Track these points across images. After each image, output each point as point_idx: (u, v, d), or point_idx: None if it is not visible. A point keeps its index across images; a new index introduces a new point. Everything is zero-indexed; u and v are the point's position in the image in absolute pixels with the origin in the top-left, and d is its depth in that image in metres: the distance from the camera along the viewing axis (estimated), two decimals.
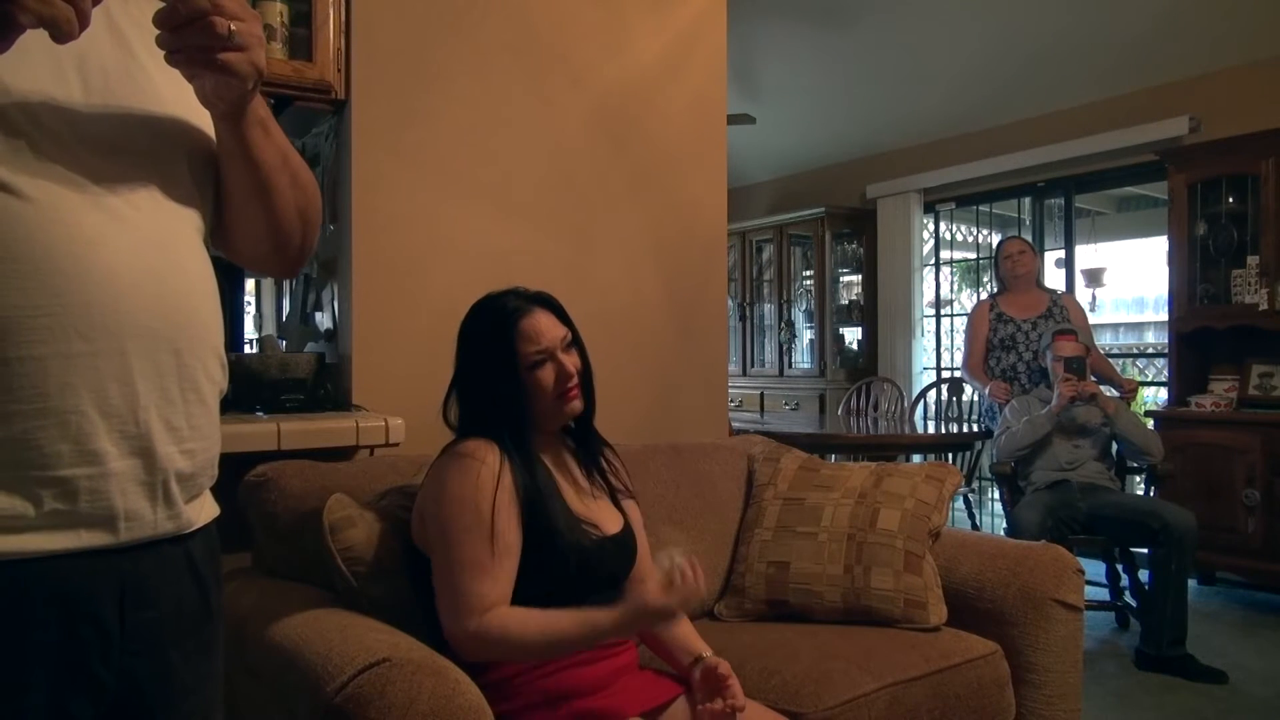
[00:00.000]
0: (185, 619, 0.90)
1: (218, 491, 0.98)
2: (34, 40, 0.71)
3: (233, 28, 0.80)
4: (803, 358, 6.42)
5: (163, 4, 0.79)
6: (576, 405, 1.52)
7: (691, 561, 1.32)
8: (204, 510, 0.94)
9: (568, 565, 1.43)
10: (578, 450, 1.62)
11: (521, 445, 1.47)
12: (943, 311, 6.03)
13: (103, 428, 0.80)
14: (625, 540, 1.56)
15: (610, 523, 1.55)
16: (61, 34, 0.70)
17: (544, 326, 1.49)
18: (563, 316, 1.54)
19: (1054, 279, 5.20)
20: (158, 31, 0.79)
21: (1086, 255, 5.35)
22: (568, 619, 1.34)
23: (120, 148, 0.85)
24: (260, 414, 1.95)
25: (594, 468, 1.62)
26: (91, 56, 0.84)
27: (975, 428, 4.12)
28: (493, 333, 1.49)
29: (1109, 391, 3.62)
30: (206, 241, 0.95)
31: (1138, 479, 3.94)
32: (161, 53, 0.81)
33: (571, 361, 1.51)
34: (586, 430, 1.62)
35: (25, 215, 0.77)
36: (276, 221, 0.98)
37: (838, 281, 6.29)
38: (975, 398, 4.55)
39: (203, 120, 0.93)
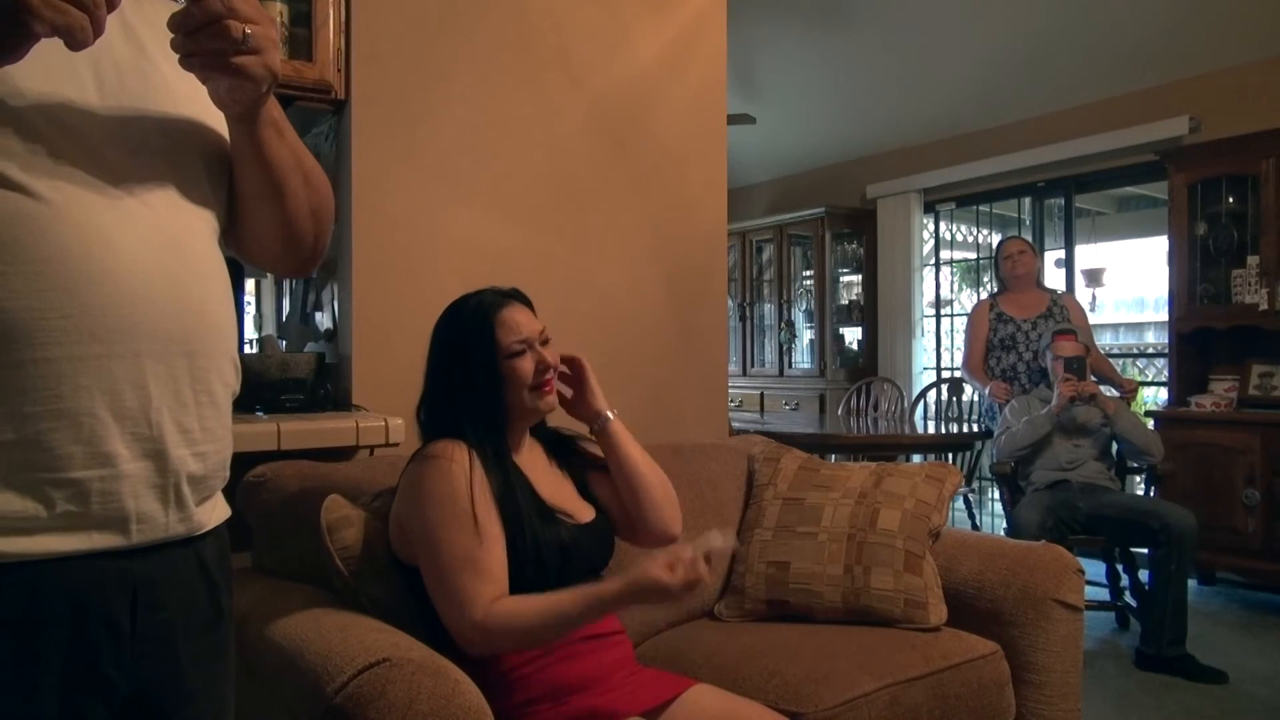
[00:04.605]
0: (196, 620, 0.90)
1: None
2: (48, 43, 0.71)
3: (247, 31, 0.79)
4: (803, 358, 6.42)
5: (177, 4, 0.79)
6: (552, 400, 1.54)
7: (716, 552, 1.32)
8: (215, 512, 0.94)
9: (543, 554, 1.43)
10: (545, 445, 1.64)
11: (492, 440, 1.48)
12: (943, 311, 6.03)
13: (115, 430, 0.80)
14: (600, 528, 1.58)
15: (582, 512, 1.56)
16: (76, 41, 0.70)
17: (523, 319, 1.52)
18: (534, 313, 1.56)
19: (1054, 279, 5.20)
20: (172, 34, 0.79)
21: (1086, 255, 5.35)
22: (569, 596, 1.34)
23: (136, 148, 0.85)
24: (260, 414, 1.95)
25: (560, 457, 1.64)
26: (106, 57, 0.84)
27: (975, 428, 4.11)
28: (471, 324, 1.50)
29: (1109, 391, 3.62)
30: (219, 241, 0.95)
31: (1138, 479, 3.94)
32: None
33: (550, 355, 1.53)
34: (546, 431, 1.64)
35: (41, 217, 0.77)
36: (289, 222, 0.98)
37: (838, 281, 6.29)
38: (975, 398, 4.55)
39: (217, 120, 0.93)
